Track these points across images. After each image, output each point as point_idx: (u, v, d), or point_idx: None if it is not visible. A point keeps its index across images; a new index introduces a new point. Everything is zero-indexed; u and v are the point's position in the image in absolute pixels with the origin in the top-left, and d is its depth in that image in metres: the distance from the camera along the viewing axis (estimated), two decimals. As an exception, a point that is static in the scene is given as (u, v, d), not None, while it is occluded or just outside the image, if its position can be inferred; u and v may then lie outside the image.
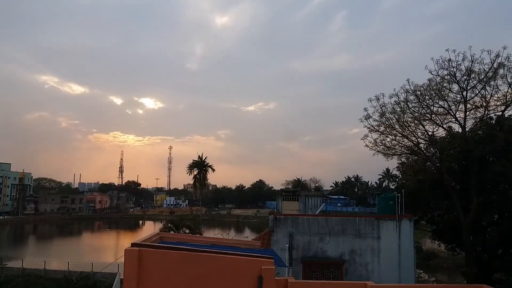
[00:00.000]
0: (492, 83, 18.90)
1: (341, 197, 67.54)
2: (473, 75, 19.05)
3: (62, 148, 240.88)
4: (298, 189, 39.87)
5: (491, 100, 19.49)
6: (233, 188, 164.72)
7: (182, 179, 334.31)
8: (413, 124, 21.09)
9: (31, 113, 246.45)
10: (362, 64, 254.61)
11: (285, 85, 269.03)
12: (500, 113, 19.87)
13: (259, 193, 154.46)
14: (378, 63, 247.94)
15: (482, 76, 18.88)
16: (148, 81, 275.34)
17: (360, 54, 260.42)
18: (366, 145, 22.36)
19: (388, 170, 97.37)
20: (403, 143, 21.92)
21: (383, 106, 21.14)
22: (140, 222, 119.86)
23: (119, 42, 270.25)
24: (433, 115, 20.51)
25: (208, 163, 70.10)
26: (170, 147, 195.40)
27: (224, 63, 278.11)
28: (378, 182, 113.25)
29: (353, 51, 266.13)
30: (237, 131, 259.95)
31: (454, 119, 20.42)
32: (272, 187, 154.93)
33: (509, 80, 18.46)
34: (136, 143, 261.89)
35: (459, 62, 19.05)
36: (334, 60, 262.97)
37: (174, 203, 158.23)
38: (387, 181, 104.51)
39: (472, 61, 18.76)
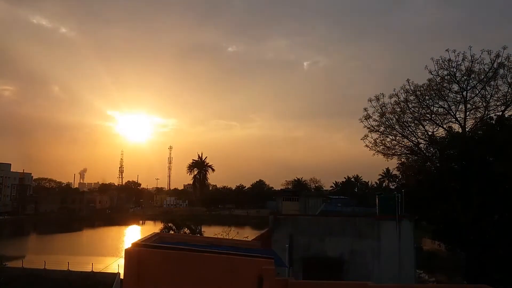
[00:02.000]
0: (492, 83, 18.94)
1: (341, 197, 67.41)
2: (473, 75, 19.08)
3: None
4: (298, 189, 39.87)
5: (491, 100, 19.52)
6: (233, 188, 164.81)
7: (183, 179, 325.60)
8: (413, 124, 21.12)
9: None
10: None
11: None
12: (500, 113, 19.88)
13: (259, 193, 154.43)
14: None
15: (482, 76, 18.91)
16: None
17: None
18: (366, 145, 22.39)
19: (388, 170, 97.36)
20: (403, 143, 21.97)
21: (383, 106, 21.19)
22: (140, 222, 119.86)
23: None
24: (433, 115, 20.53)
25: (208, 163, 70.18)
26: (170, 147, 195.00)
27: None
28: (378, 182, 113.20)
29: None
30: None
31: (454, 119, 20.45)
32: (272, 187, 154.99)
33: (509, 80, 18.50)
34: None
35: (459, 62, 19.11)
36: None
37: (174, 203, 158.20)
38: (387, 181, 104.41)
39: (472, 61, 18.82)
